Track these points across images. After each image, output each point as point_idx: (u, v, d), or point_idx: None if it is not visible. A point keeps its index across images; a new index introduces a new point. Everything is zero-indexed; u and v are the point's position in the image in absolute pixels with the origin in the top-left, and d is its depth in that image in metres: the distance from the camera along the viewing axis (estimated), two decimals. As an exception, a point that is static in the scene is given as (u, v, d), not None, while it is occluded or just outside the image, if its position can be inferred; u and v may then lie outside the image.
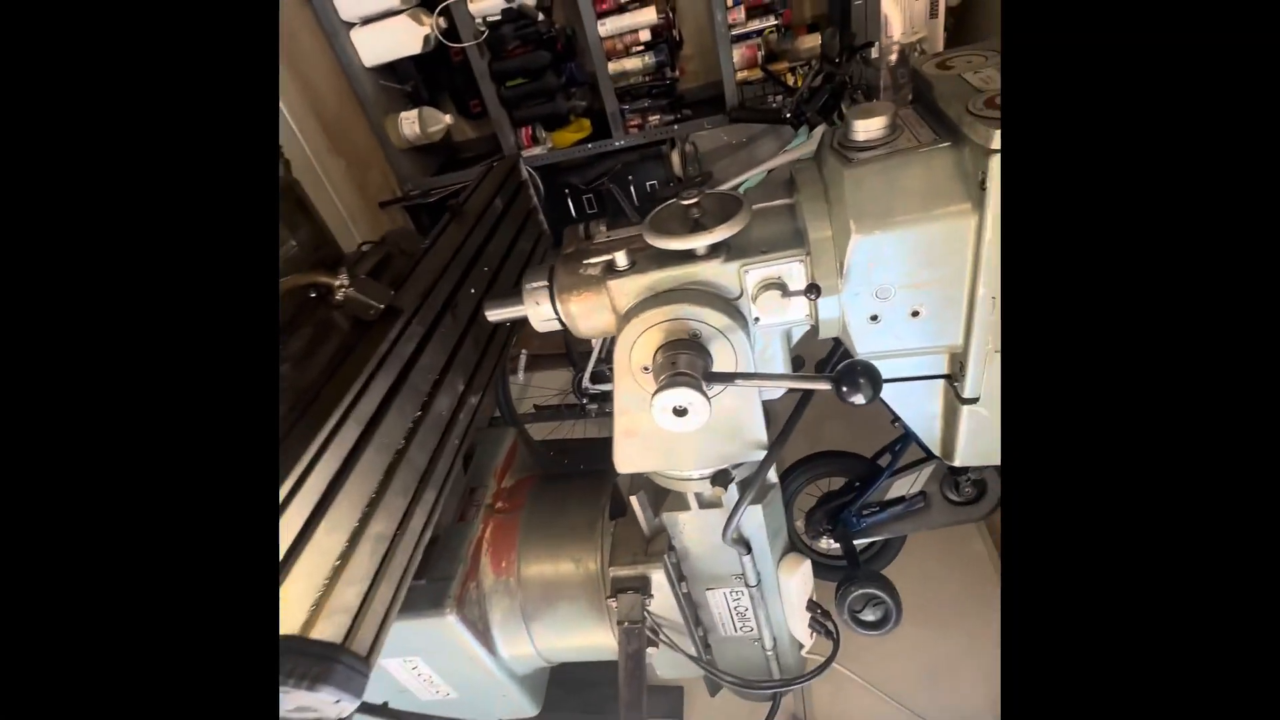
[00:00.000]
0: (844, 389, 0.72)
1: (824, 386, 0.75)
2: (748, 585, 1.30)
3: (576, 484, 1.40)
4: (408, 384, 1.08)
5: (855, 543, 1.69)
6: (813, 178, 0.84)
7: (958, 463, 1.00)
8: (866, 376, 0.71)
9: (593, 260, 0.91)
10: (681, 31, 3.15)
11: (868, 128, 0.77)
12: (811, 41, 2.90)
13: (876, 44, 2.55)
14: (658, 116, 3.07)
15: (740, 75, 2.91)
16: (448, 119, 3.08)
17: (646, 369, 0.90)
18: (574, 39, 3.11)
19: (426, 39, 2.84)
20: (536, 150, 3.13)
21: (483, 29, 2.87)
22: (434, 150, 3.31)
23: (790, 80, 2.79)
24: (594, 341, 2.65)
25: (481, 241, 1.42)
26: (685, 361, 0.83)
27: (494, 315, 0.99)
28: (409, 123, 3.05)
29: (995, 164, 0.66)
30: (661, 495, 1.22)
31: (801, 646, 1.54)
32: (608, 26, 2.82)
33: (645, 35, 2.87)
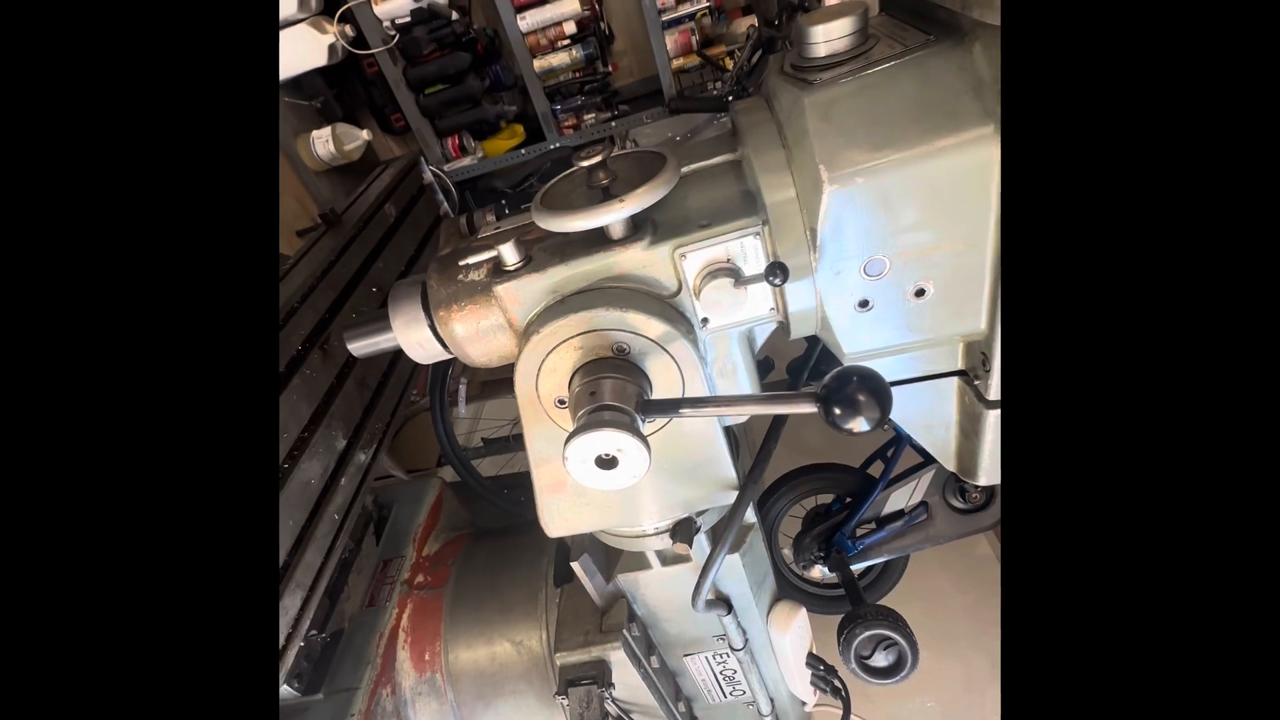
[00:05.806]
0: (836, 411, 0.49)
1: (808, 408, 0.51)
2: (733, 649, 1.06)
3: (512, 540, 1.15)
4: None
5: (853, 568, 1.46)
6: (761, 119, 0.60)
7: (983, 482, 0.78)
8: (868, 391, 0.48)
9: (474, 260, 0.66)
10: (611, 25, 2.96)
11: (829, 34, 0.54)
12: (747, 23, 2.73)
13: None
14: (593, 115, 2.87)
15: (676, 63, 2.72)
16: (365, 134, 2.84)
17: (562, 402, 0.66)
18: (495, 39, 2.89)
19: (333, 48, 2.59)
20: (465, 161, 2.89)
21: (392, 33, 2.63)
22: (355, 170, 3.04)
23: (730, 65, 2.59)
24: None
25: (367, 256, 1.13)
26: (610, 389, 0.59)
27: (357, 348, 0.74)
28: (322, 142, 2.79)
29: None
30: (615, 553, 0.97)
31: (804, 704, 1.31)
32: (528, 20, 2.60)
33: (570, 27, 2.67)
